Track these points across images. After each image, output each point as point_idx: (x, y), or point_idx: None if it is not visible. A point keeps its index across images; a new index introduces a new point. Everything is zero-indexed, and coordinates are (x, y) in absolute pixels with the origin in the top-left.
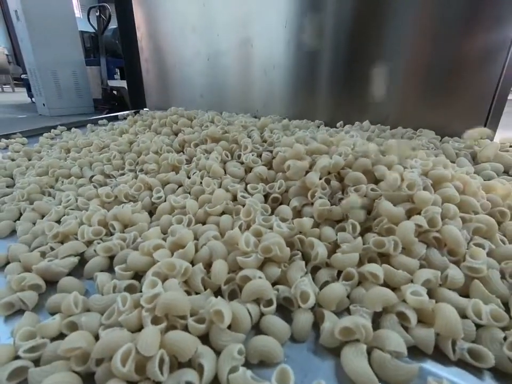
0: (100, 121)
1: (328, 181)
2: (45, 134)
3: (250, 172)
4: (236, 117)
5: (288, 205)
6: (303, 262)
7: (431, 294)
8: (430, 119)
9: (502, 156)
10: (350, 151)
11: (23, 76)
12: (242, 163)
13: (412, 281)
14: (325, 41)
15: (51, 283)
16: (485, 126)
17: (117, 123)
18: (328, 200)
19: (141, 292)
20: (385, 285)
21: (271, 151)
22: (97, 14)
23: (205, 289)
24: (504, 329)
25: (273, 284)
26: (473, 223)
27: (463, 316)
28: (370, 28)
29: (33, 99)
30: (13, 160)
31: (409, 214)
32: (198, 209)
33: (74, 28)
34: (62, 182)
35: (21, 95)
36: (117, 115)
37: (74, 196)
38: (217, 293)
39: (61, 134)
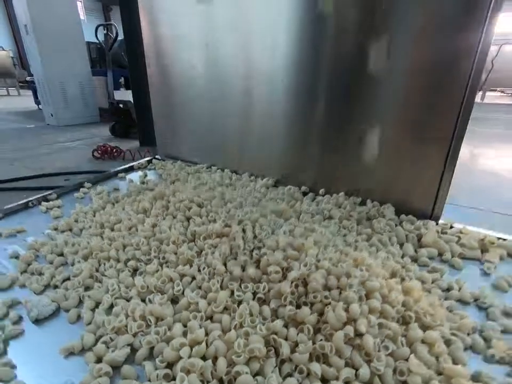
0: (119, 174)
1: (296, 286)
2: (76, 194)
3: (244, 269)
4: (238, 183)
5: (269, 305)
6: (274, 358)
7: None
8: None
9: (438, 242)
10: (314, 261)
11: (28, 78)
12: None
13: (337, 377)
14: (317, 109)
15: (113, 367)
16: (441, 176)
17: (134, 176)
18: (296, 302)
19: (174, 379)
20: (323, 377)
21: (260, 248)
22: (105, 32)
23: (213, 378)
24: None
25: (255, 374)
26: (386, 330)
27: None
28: (363, 96)
29: (40, 106)
30: (55, 229)
31: (345, 321)
32: (207, 307)
33: (82, 41)
34: (104, 264)
35: (26, 100)
36: (133, 165)
37: (117, 283)
38: (221, 380)
39: (89, 191)
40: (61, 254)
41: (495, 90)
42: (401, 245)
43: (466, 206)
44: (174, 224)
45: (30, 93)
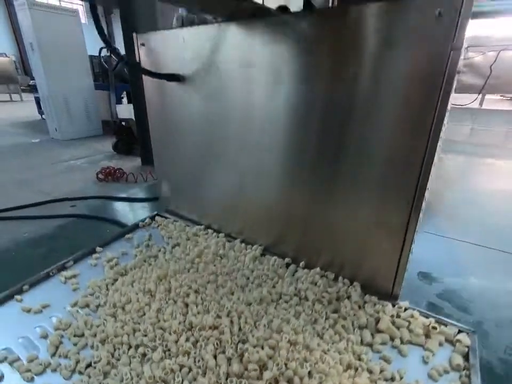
0: (126, 235)
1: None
2: (89, 261)
3: (230, 363)
4: (231, 254)
5: None
6: None
7: None
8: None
9: (390, 328)
10: (284, 360)
11: (31, 82)
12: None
13: None
14: (302, 178)
15: None
16: (399, 260)
17: (139, 236)
18: None
19: None
20: None
21: (245, 342)
22: (108, 54)
23: None
24: None
25: None
26: None
27: None
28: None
29: (43, 116)
30: (75, 304)
31: None
32: None
33: (85, 58)
34: (119, 349)
35: (29, 106)
36: (138, 223)
37: (129, 371)
38: None
39: (100, 257)
40: (82, 334)
41: (495, 93)
42: (362, 328)
43: (448, 237)
44: (175, 311)
45: (32, 97)
